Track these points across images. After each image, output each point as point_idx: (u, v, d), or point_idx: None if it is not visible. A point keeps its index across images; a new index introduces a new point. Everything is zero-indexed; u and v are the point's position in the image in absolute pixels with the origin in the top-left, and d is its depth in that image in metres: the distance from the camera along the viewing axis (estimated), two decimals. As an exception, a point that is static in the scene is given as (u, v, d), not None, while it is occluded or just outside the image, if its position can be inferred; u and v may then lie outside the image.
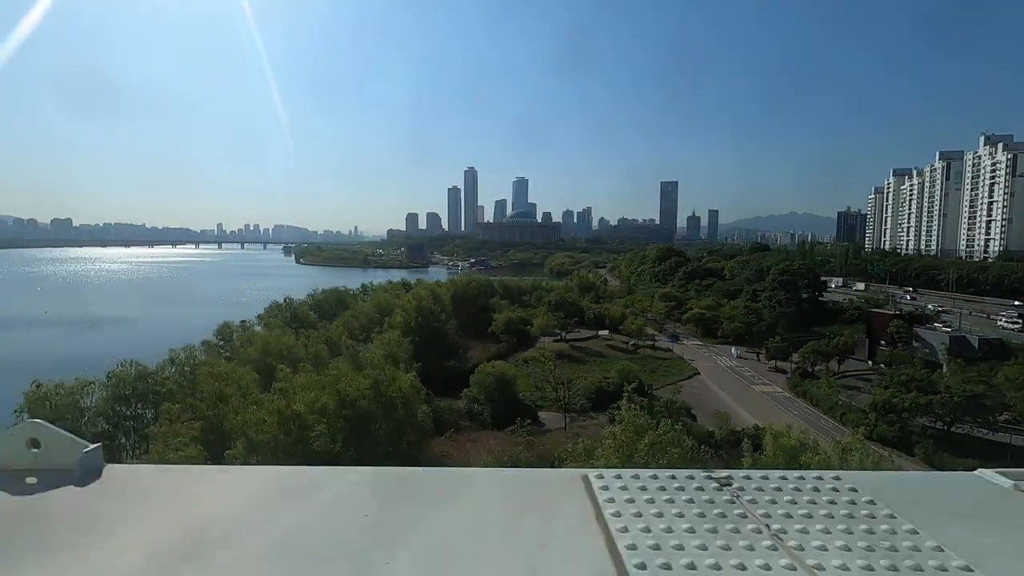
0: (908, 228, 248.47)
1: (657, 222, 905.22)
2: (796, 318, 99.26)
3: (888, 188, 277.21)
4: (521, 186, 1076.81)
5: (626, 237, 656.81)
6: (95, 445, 2.26)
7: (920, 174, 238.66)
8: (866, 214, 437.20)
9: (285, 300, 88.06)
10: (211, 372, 40.60)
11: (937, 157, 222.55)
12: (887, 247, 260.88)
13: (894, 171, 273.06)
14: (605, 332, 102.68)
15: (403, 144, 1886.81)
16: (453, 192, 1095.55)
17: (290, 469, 2.33)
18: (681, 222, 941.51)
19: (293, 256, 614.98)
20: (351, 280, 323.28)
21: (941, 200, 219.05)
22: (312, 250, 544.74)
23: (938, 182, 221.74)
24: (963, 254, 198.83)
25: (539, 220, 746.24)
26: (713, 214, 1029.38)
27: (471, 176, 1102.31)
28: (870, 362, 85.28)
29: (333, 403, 33.69)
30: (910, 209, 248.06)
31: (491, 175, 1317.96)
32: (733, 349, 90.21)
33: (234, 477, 2.36)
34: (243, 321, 74.68)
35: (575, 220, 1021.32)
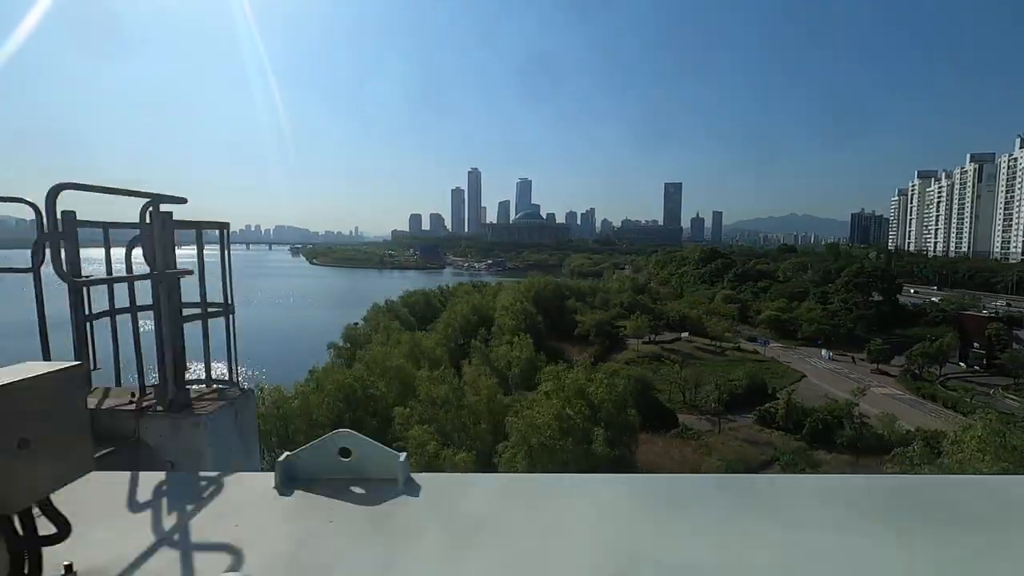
0: (936, 230, 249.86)
1: (660, 223, 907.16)
2: (875, 320, 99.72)
3: (912, 190, 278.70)
4: (525, 187, 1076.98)
5: (634, 239, 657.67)
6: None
7: (949, 176, 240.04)
8: (880, 216, 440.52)
9: (386, 302, 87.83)
10: (429, 377, 40.59)
11: (968, 159, 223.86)
12: (911, 249, 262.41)
13: (919, 173, 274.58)
14: (686, 334, 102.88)
15: (404, 145, 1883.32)
16: (457, 193, 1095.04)
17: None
18: (684, 223, 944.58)
19: (301, 256, 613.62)
20: (370, 281, 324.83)
21: (973, 202, 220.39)
22: (323, 251, 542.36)
23: (969, 184, 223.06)
24: (998, 256, 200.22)
25: (544, 221, 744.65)
26: (717, 215, 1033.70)
27: (475, 177, 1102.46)
28: (963, 364, 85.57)
29: (581, 407, 33.62)
30: (938, 211, 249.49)
31: (493, 176, 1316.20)
32: (824, 351, 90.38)
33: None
34: (356, 323, 74.53)
35: (578, 221, 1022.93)
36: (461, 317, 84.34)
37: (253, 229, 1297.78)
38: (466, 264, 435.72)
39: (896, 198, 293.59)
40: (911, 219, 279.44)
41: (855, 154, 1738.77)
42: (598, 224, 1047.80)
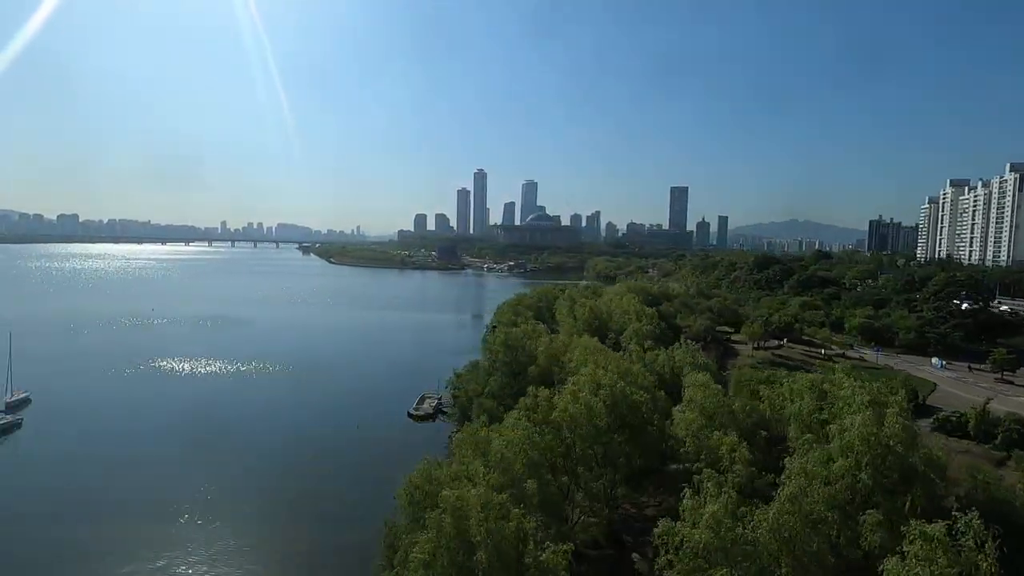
0: (972, 238, 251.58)
1: (664, 227, 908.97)
2: (973, 328, 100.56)
3: (944, 199, 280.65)
4: (530, 189, 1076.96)
5: (644, 242, 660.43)
6: None
7: (987, 185, 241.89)
8: (899, 223, 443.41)
9: (516, 296, 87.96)
10: (696, 383, 40.99)
11: (1008, 168, 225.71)
12: (942, 256, 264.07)
13: (951, 182, 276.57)
14: (783, 341, 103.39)
15: (406, 145, 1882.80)
16: (462, 194, 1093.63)
17: None
18: (690, 227, 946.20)
19: (312, 255, 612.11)
20: (393, 281, 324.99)
21: (1013, 211, 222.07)
22: (338, 250, 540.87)
23: (1009, 193, 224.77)
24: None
25: (556, 223, 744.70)
26: (723, 219, 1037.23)
27: (480, 178, 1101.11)
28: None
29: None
30: (974, 220, 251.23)
31: (495, 177, 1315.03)
32: (935, 360, 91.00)
33: None
34: (495, 326, 74.51)
35: (583, 224, 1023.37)
36: (583, 322, 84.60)
37: (255, 227, 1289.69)
38: (486, 265, 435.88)
39: (926, 206, 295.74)
40: (942, 227, 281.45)
41: (858, 162, 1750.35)
42: (602, 227, 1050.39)
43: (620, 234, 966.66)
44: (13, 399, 73.39)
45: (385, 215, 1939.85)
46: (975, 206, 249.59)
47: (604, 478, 38.58)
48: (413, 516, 29.02)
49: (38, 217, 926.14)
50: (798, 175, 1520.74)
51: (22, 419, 67.97)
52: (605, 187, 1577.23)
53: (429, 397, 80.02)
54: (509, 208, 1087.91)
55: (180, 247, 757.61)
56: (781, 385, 46.07)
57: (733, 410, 40.38)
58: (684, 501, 25.72)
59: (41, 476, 54.50)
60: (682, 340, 68.66)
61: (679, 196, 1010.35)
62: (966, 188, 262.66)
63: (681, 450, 39.04)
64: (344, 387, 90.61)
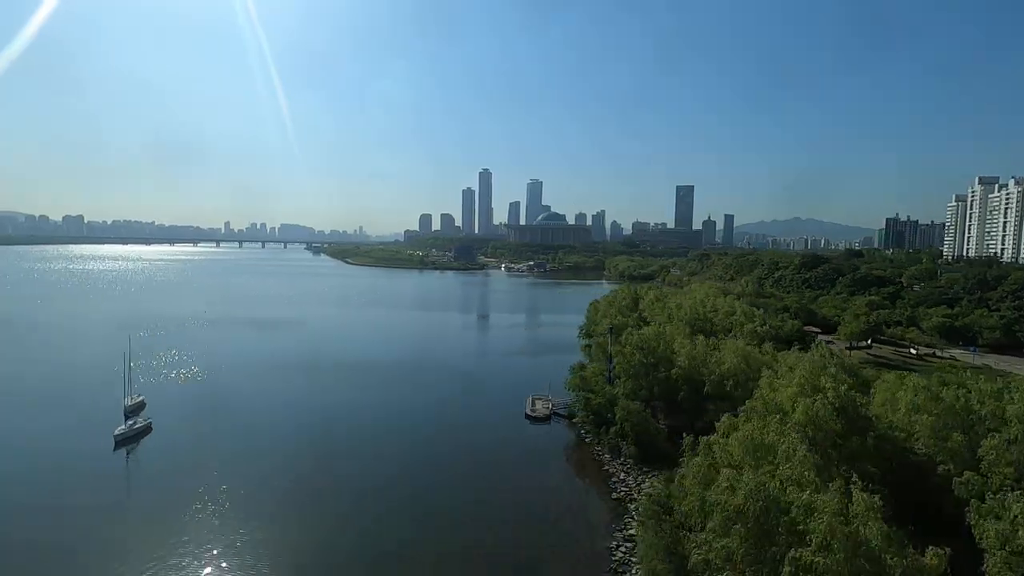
0: (1003, 236, 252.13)
1: (669, 226, 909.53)
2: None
3: (973, 196, 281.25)
4: (535, 188, 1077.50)
5: (657, 241, 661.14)
6: None
7: (1020, 183, 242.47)
8: (916, 221, 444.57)
9: (606, 297, 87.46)
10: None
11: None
12: (970, 255, 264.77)
13: (980, 179, 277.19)
14: (870, 341, 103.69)
15: (407, 145, 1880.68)
16: (467, 193, 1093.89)
17: None
18: (696, 226, 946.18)
19: (323, 255, 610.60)
20: (417, 281, 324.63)
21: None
22: (352, 250, 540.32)
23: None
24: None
25: (567, 223, 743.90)
26: (729, 218, 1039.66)
27: (485, 178, 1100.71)
28: None
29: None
30: (1005, 217, 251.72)
31: (497, 177, 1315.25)
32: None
33: None
34: (612, 328, 74.32)
35: (589, 223, 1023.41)
36: (685, 322, 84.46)
37: (259, 227, 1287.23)
38: (503, 265, 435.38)
39: (953, 204, 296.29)
40: (970, 225, 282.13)
41: (858, 162, 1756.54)
42: (607, 226, 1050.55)
43: (624, 233, 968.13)
44: (132, 403, 73.05)
45: (386, 215, 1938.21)
46: (1007, 204, 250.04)
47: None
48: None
49: (43, 218, 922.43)
50: (801, 173, 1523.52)
51: (150, 422, 67.50)
52: (607, 186, 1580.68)
53: (540, 399, 79.83)
54: (514, 207, 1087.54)
55: (188, 248, 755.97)
56: (959, 388, 46.39)
57: (972, 410, 40.28)
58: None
59: (200, 477, 53.87)
60: (818, 342, 68.46)
61: (685, 195, 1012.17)
62: (995, 186, 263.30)
63: (913, 453, 39.00)
64: (446, 388, 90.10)
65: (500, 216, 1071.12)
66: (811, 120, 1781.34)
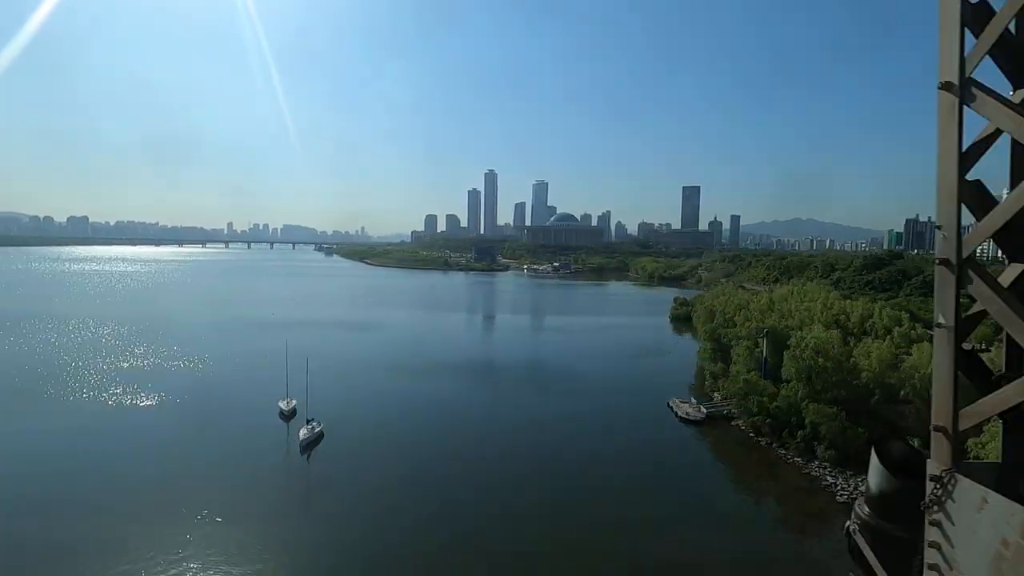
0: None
1: (674, 226, 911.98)
2: None
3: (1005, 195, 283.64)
4: (541, 189, 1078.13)
5: (671, 241, 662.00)
6: None
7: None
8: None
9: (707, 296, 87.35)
10: None
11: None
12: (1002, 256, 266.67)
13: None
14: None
15: (409, 146, 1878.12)
16: (473, 194, 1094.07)
17: None
18: (702, 226, 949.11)
19: (335, 256, 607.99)
20: (448, 282, 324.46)
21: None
22: (368, 251, 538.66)
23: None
24: None
25: (580, 224, 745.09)
26: (735, 219, 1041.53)
27: (491, 179, 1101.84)
28: None
29: None
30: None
31: (501, 177, 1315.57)
32: None
33: None
34: (766, 330, 74.23)
35: (595, 223, 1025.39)
36: (822, 323, 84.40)
37: (262, 228, 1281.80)
38: (527, 267, 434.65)
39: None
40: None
41: (860, 162, 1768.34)
42: (613, 227, 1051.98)
43: (628, 233, 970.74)
44: (287, 406, 72.25)
45: (388, 216, 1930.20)
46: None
47: None
48: None
49: (48, 219, 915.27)
50: (802, 173, 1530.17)
51: (323, 427, 66.54)
52: (611, 186, 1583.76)
53: (683, 402, 79.62)
54: (519, 208, 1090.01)
55: (198, 248, 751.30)
56: None
57: None
58: None
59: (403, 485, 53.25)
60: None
61: (691, 195, 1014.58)
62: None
63: None
64: (576, 392, 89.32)
65: (505, 217, 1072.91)
66: (812, 120, 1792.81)
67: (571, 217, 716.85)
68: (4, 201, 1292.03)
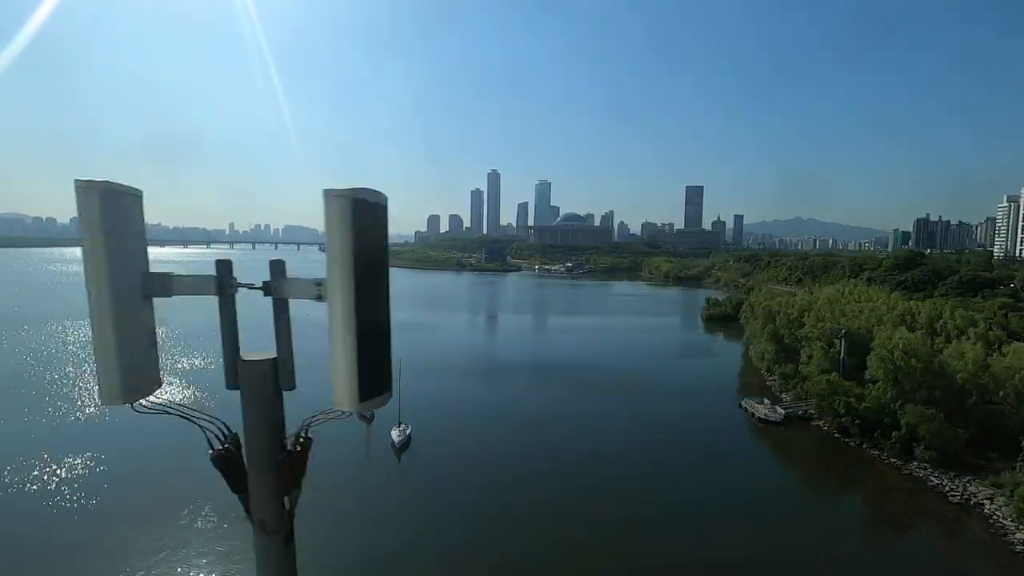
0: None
1: (678, 226, 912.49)
2: None
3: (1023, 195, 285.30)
4: (543, 189, 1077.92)
5: (678, 241, 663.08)
6: None
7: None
8: (948, 221, 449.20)
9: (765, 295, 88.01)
10: None
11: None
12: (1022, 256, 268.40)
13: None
14: None
15: (409, 146, 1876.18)
16: (476, 194, 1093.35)
17: None
18: (705, 226, 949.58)
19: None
20: (469, 283, 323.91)
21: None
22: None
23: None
24: None
25: (588, 224, 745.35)
26: (738, 218, 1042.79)
27: (494, 179, 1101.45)
28: None
29: None
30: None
31: (503, 177, 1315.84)
32: None
33: None
34: (839, 331, 74.90)
35: (597, 223, 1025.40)
36: (890, 324, 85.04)
37: (263, 228, 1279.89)
38: (539, 267, 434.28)
39: (1004, 205, 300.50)
40: (1022, 225, 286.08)
41: (860, 162, 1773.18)
42: (615, 226, 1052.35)
43: (630, 232, 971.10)
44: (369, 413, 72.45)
45: (389, 215, 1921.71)
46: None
47: None
48: None
49: (51, 220, 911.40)
50: (803, 173, 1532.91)
51: (410, 429, 66.71)
52: (613, 186, 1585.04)
53: (758, 403, 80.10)
54: (522, 208, 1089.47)
55: (202, 249, 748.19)
56: None
57: None
58: None
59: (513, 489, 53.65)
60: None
61: (694, 195, 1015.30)
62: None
63: None
64: (642, 394, 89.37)
65: (507, 217, 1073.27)
66: (812, 120, 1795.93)
67: (577, 217, 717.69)
68: (6, 202, 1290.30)
